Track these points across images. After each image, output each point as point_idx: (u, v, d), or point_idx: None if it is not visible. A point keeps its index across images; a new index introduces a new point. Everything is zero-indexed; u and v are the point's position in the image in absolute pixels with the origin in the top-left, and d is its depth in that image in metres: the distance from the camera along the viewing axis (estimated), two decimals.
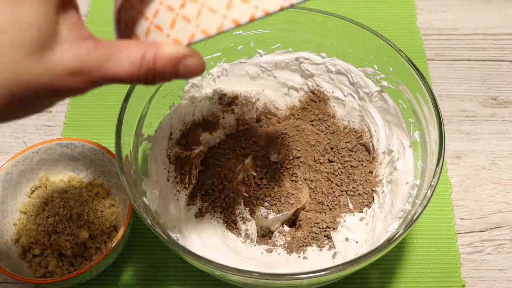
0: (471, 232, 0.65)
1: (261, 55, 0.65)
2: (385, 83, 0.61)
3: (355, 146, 0.64)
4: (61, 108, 0.74)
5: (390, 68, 0.60)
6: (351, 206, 0.60)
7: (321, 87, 0.66)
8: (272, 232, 0.60)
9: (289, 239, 0.58)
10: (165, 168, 0.61)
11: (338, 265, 0.48)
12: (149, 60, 0.35)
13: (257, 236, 0.60)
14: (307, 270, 0.51)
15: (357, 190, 0.61)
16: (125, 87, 0.57)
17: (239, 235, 0.59)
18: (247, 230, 0.59)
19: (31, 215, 0.61)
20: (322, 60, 0.64)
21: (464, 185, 0.68)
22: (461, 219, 0.66)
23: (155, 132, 0.61)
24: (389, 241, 0.49)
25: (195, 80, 0.64)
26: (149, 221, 0.51)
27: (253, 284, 0.52)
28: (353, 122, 0.65)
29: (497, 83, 0.76)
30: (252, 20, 0.36)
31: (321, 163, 0.63)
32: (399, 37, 0.78)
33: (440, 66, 0.78)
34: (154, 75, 0.36)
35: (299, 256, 0.57)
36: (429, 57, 0.78)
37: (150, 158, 0.60)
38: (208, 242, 0.57)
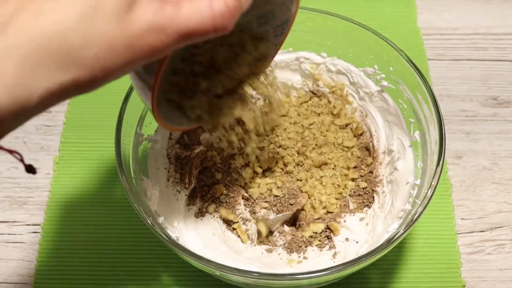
0: (472, 232, 0.65)
1: None
2: (385, 83, 0.61)
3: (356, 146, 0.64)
4: (60, 108, 0.74)
5: (391, 68, 0.59)
6: (351, 206, 0.60)
7: (321, 87, 0.66)
8: (272, 232, 0.60)
9: (289, 239, 0.58)
10: (165, 168, 0.61)
11: (338, 265, 0.48)
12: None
13: (257, 236, 0.60)
14: (307, 270, 0.51)
15: (357, 190, 0.61)
16: (125, 88, 0.57)
17: (239, 235, 0.59)
18: (247, 230, 0.59)
19: None
20: (322, 60, 0.64)
21: (465, 185, 0.68)
22: (462, 219, 0.66)
23: (155, 132, 0.61)
24: (389, 241, 0.49)
25: None
26: (149, 221, 0.51)
27: (254, 284, 0.52)
28: (354, 122, 0.65)
29: (498, 83, 0.76)
30: None
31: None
32: (399, 36, 0.78)
33: (441, 66, 0.78)
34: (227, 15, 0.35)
35: (299, 256, 0.57)
36: (429, 56, 0.78)
37: (150, 158, 0.60)
38: (208, 242, 0.57)
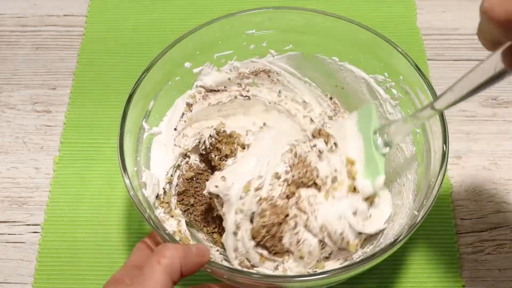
0: (471, 232, 0.65)
1: (273, 56, 0.65)
2: (394, 92, 0.60)
3: None
4: (61, 108, 0.74)
5: (401, 76, 0.59)
6: None
7: None
8: None
9: None
10: (167, 157, 0.60)
11: (341, 268, 0.48)
12: None
13: None
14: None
15: None
16: (125, 87, 0.57)
17: None
18: None
19: None
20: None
21: (464, 185, 0.68)
22: (461, 219, 0.66)
23: (159, 125, 0.61)
24: (392, 244, 0.49)
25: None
26: (145, 214, 0.50)
27: (252, 284, 0.52)
28: None
29: (497, 83, 0.76)
30: None
31: None
32: (399, 37, 0.78)
33: (440, 66, 0.78)
34: None
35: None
36: (429, 57, 0.78)
37: (152, 150, 0.60)
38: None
